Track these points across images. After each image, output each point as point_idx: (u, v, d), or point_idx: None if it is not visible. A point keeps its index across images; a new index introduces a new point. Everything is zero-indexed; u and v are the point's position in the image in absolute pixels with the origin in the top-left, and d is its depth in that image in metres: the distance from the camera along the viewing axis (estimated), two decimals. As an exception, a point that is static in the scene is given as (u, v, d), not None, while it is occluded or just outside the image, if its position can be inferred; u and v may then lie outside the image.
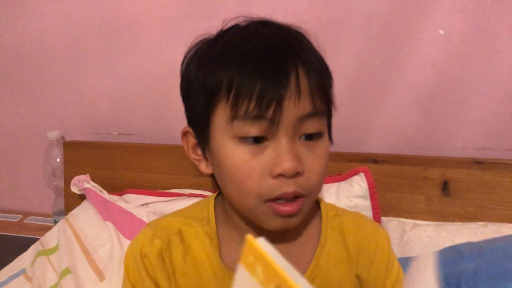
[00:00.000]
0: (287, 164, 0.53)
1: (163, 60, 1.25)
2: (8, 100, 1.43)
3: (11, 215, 1.54)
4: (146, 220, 1.03)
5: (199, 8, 1.17)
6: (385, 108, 1.09)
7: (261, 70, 0.53)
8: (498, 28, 0.96)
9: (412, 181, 1.01)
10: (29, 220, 1.50)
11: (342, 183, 0.97)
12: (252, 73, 0.53)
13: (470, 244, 0.80)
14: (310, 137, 0.56)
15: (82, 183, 1.19)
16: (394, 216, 1.02)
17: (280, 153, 0.54)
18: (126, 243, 0.99)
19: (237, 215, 0.64)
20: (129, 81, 1.31)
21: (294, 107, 0.53)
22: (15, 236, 1.40)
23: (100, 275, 0.94)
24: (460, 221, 0.97)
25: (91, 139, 1.37)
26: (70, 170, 1.30)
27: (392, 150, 1.09)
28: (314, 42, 0.61)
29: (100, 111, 1.36)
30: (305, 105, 0.54)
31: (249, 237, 0.39)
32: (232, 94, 0.53)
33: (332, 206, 0.71)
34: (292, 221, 0.58)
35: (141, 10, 1.23)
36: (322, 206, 0.69)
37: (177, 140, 1.28)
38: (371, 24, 1.04)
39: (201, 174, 1.18)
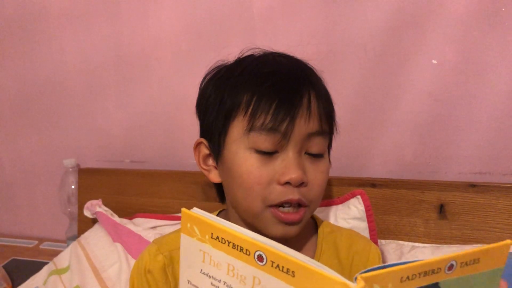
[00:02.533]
0: (294, 174, 0.60)
1: (173, 92, 1.32)
2: (27, 129, 1.51)
3: (27, 240, 1.59)
4: (153, 241, 1.08)
5: (207, 42, 1.24)
6: (383, 135, 1.13)
7: (279, 89, 0.61)
8: (487, 57, 1.01)
9: (410, 204, 1.04)
10: (44, 246, 1.55)
11: (340, 206, 1.01)
12: (271, 91, 0.61)
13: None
14: (314, 155, 0.64)
15: (94, 207, 1.25)
16: (393, 238, 1.05)
17: (288, 163, 0.61)
18: (134, 263, 1.03)
19: (241, 224, 0.69)
20: (141, 111, 1.38)
21: (304, 124, 0.61)
22: (31, 260, 1.45)
23: (109, 293, 0.98)
24: (457, 243, 0.99)
25: (105, 166, 1.43)
26: (84, 196, 1.36)
27: (391, 175, 1.12)
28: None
29: (113, 139, 1.43)
30: (314, 124, 0.63)
31: (183, 209, 0.46)
32: (251, 108, 0.61)
33: (328, 224, 0.78)
34: (292, 230, 0.64)
35: (153, 44, 1.30)
36: (319, 223, 0.76)
37: (185, 166, 1.35)
38: (368, 55, 1.09)
39: (208, 199, 1.23)
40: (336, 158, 1.13)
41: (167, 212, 1.24)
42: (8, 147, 1.56)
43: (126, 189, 1.32)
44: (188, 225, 0.46)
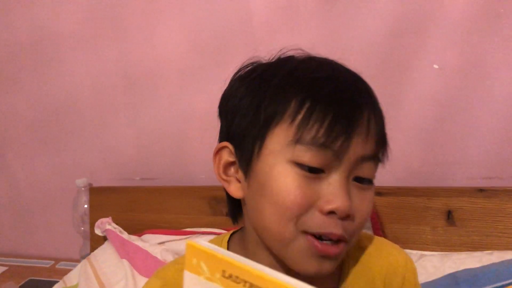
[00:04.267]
0: (342, 204, 0.50)
1: (180, 108, 1.34)
2: (42, 151, 1.55)
3: (44, 261, 1.62)
4: (159, 257, 1.09)
5: (210, 58, 1.26)
6: (390, 143, 1.12)
7: (337, 99, 0.51)
8: (489, 60, 1.00)
9: (417, 212, 1.02)
10: (61, 265, 1.57)
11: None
12: (327, 99, 0.51)
13: (467, 271, 0.81)
14: (362, 180, 0.53)
15: (104, 225, 1.27)
16: (402, 247, 1.02)
17: (336, 190, 0.51)
18: (140, 279, 1.04)
19: (264, 252, 0.59)
20: (150, 129, 1.40)
21: (361, 144, 0.51)
22: (47, 280, 1.47)
23: (114, 308, 0.99)
24: (466, 249, 0.97)
25: (116, 184, 1.45)
26: (95, 214, 1.38)
27: (399, 183, 1.10)
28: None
29: (124, 158, 1.45)
30: (371, 146, 0.52)
31: (188, 242, 0.38)
32: (301, 116, 0.51)
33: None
34: (329, 266, 0.53)
35: (159, 64, 1.33)
36: None
37: (193, 182, 1.36)
38: (370, 63, 1.10)
39: (216, 213, 1.24)
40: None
41: (176, 227, 1.24)
42: (24, 169, 1.61)
43: (136, 206, 1.33)
44: (194, 261, 0.38)
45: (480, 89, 1.02)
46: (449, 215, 0.99)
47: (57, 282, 1.43)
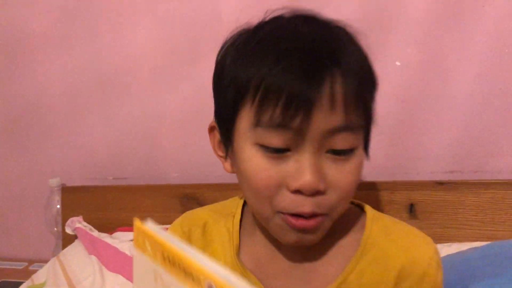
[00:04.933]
0: (307, 180, 0.49)
1: (152, 107, 1.35)
2: (13, 151, 1.54)
3: (17, 262, 1.60)
4: (128, 253, 1.09)
5: (182, 57, 1.27)
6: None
7: (292, 73, 0.48)
8: (448, 57, 1.03)
9: (381, 206, 1.04)
10: (34, 267, 1.55)
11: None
12: (282, 75, 0.48)
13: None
14: (339, 152, 0.51)
15: (74, 223, 1.27)
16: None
17: (301, 166, 0.50)
18: (108, 274, 1.05)
19: (256, 226, 0.63)
20: (122, 128, 1.41)
21: (325, 118, 0.49)
22: (20, 282, 1.46)
23: (81, 304, 0.99)
24: (428, 242, 0.99)
25: (89, 184, 1.45)
26: (68, 214, 1.38)
27: (365, 178, 1.13)
28: (362, 42, 0.59)
29: (97, 157, 1.45)
30: (338, 117, 0.50)
31: (136, 220, 0.40)
32: (258, 97, 0.50)
33: (381, 219, 0.62)
34: (309, 238, 0.54)
35: (131, 63, 1.34)
36: (368, 215, 0.62)
37: (166, 180, 1.37)
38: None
39: (186, 211, 1.24)
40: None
41: (147, 225, 1.25)
42: (-4, 170, 1.60)
43: (108, 205, 1.33)
44: (140, 239, 0.39)
45: (441, 85, 1.05)
46: (411, 208, 1.01)
47: (30, 283, 1.44)
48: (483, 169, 1.04)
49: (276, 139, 0.50)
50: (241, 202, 0.66)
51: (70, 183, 1.48)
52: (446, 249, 0.93)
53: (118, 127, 1.41)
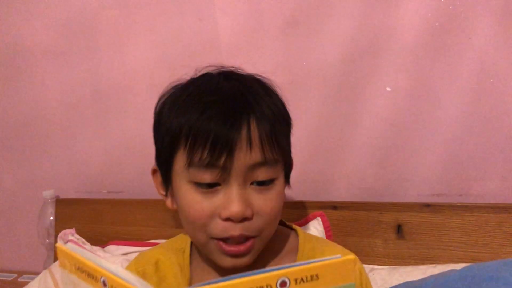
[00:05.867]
0: (234, 209, 0.58)
1: (147, 123, 1.35)
2: (8, 162, 1.56)
3: (6, 274, 1.61)
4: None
5: (177, 75, 1.29)
6: (344, 160, 1.18)
7: (215, 121, 0.58)
8: (436, 84, 1.07)
9: (369, 225, 1.07)
10: (23, 279, 1.56)
11: (301, 228, 1.04)
12: (207, 124, 0.58)
13: (407, 283, 0.86)
14: (261, 183, 0.61)
15: (67, 236, 1.28)
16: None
17: (229, 198, 0.59)
18: (100, 287, 1.05)
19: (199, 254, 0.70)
20: (118, 143, 1.43)
21: (245, 156, 0.58)
22: (8, 293, 1.47)
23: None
24: (415, 262, 1.02)
25: (83, 197, 1.47)
26: (61, 226, 1.39)
27: (353, 198, 1.16)
28: (278, 90, 0.70)
29: (91, 171, 1.47)
30: (256, 155, 0.59)
31: (58, 245, 0.49)
32: (189, 142, 0.59)
33: (310, 239, 0.73)
34: (243, 261, 0.62)
35: (128, 79, 1.37)
36: (300, 237, 0.71)
37: (158, 195, 1.38)
38: (327, 84, 1.16)
39: (179, 225, 1.26)
40: (299, 183, 1.19)
41: (140, 239, 1.27)
42: (-11, 181, 1.60)
43: (102, 218, 1.35)
44: (61, 258, 0.48)
45: (428, 111, 1.09)
46: (398, 229, 1.05)
47: (19, 295, 1.44)
48: (467, 193, 1.08)
49: (206, 176, 0.59)
50: (189, 238, 0.73)
51: (64, 196, 1.50)
52: (431, 270, 0.96)
53: (113, 141, 1.44)
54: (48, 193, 1.46)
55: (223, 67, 0.71)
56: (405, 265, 1.02)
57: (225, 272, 0.66)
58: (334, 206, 1.10)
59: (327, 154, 1.19)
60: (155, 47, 1.33)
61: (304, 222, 1.05)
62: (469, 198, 1.08)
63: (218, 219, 0.60)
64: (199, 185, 0.60)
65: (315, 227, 1.02)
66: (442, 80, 1.07)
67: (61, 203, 1.42)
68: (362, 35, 1.11)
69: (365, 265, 1.03)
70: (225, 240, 0.61)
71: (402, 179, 1.13)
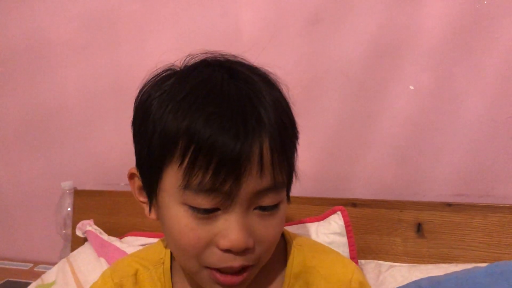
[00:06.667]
0: (236, 241, 0.50)
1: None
2: (28, 153, 1.57)
3: (23, 263, 1.62)
4: (138, 257, 1.11)
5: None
6: (365, 158, 1.17)
7: (222, 139, 0.48)
8: (460, 83, 1.06)
9: (389, 224, 1.06)
10: (39, 268, 1.57)
11: (321, 222, 1.04)
12: (213, 141, 0.48)
13: (430, 278, 0.86)
14: (265, 208, 0.53)
15: (85, 226, 1.29)
16: (373, 258, 1.07)
17: (230, 227, 0.50)
18: (118, 277, 1.06)
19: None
20: (137, 136, 1.44)
21: (254, 182, 0.50)
22: (25, 282, 1.48)
23: (88, 303, 1.01)
24: (434, 261, 1.01)
25: (100, 189, 1.48)
26: (79, 217, 1.40)
27: (373, 197, 1.15)
28: (283, 87, 0.59)
29: (110, 163, 1.48)
30: (266, 180, 0.51)
31: None
32: (186, 161, 0.49)
33: (300, 250, 0.64)
34: None
35: (148, 72, 1.36)
36: (289, 248, 0.64)
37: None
38: (349, 82, 1.15)
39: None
40: (319, 180, 1.19)
41: (157, 231, 1.27)
42: (8, 171, 1.62)
43: (120, 210, 1.36)
44: None
45: (451, 111, 1.08)
46: (419, 228, 1.04)
47: (34, 283, 1.45)
48: (489, 194, 1.07)
49: (205, 202, 0.50)
50: (168, 250, 0.65)
51: (81, 188, 1.51)
52: (453, 269, 0.94)
53: (131, 135, 1.44)
54: (67, 184, 1.47)
55: (220, 54, 0.61)
56: (425, 264, 1.01)
57: None
58: (353, 203, 1.10)
59: (347, 152, 1.18)
60: (177, 42, 1.34)
61: (324, 216, 1.04)
62: (491, 199, 1.07)
63: (214, 248, 0.51)
64: (195, 209, 0.50)
65: (336, 222, 1.01)
66: (466, 80, 1.07)
67: (79, 194, 1.43)
68: (385, 33, 1.11)
69: (384, 262, 1.03)
70: (220, 269, 0.53)
71: (422, 179, 1.13)
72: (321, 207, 1.11)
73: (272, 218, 0.54)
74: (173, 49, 1.33)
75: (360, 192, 1.18)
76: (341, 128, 1.18)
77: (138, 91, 0.62)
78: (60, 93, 1.51)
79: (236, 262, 0.52)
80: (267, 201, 0.52)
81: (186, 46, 1.31)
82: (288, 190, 0.58)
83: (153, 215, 0.59)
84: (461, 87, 1.07)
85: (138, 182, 0.61)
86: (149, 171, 0.55)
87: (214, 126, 0.48)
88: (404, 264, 1.02)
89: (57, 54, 1.48)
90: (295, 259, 0.62)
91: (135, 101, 0.60)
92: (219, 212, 0.51)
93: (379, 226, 1.07)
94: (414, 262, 1.03)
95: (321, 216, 1.05)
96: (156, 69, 0.61)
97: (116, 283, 0.64)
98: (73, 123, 1.51)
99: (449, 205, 1.02)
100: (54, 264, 1.55)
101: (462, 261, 0.99)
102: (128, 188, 1.42)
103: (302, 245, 0.65)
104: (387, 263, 1.04)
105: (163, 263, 0.64)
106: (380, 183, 1.16)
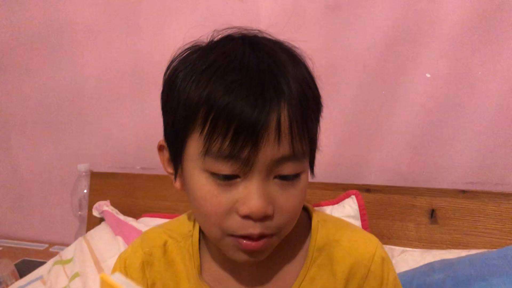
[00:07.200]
0: (255, 207, 0.51)
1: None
2: (46, 135, 1.60)
3: (38, 244, 1.66)
4: (154, 236, 1.13)
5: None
6: (380, 145, 1.18)
7: (240, 106, 0.49)
8: (477, 72, 1.07)
9: (402, 209, 1.08)
10: (54, 249, 1.61)
11: (335, 206, 1.05)
12: (231, 109, 0.49)
13: (444, 260, 0.87)
14: (285, 177, 0.54)
15: (102, 207, 1.31)
16: (385, 242, 1.08)
17: (250, 193, 0.52)
18: (134, 254, 1.09)
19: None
20: (153, 121, 1.44)
21: (272, 150, 0.51)
22: (40, 261, 1.51)
23: (107, 279, 1.03)
24: (447, 247, 1.03)
25: (116, 171, 1.50)
26: (95, 198, 1.43)
27: (387, 183, 1.17)
28: (308, 61, 0.61)
29: (126, 147, 1.51)
30: (284, 148, 0.52)
31: (102, 274, 0.44)
32: (207, 128, 0.51)
33: (324, 224, 0.65)
34: (257, 257, 0.57)
35: (167, 58, 1.38)
36: (314, 223, 0.65)
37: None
38: (366, 69, 1.16)
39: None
40: (334, 166, 1.20)
41: (173, 213, 1.29)
42: (26, 153, 1.65)
43: (135, 192, 1.38)
44: None
45: (467, 99, 1.09)
46: (432, 214, 1.05)
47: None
48: (502, 182, 1.08)
49: (225, 168, 0.51)
50: (196, 223, 0.67)
51: (97, 170, 1.53)
52: (465, 254, 0.96)
53: (149, 120, 1.46)
54: (83, 167, 1.50)
55: (246, 29, 0.62)
56: (437, 249, 1.02)
57: (236, 263, 0.60)
58: (368, 189, 1.11)
59: (362, 138, 1.20)
60: (196, 28, 1.35)
61: (339, 200, 1.06)
62: (504, 188, 1.07)
63: (235, 215, 0.53)
64: (215, 176, 0.52)
65: (350, 205, 1.03)
66: (482, 69, 1.07)
67: (95, 176, 1.46)
68: (403, 21, 1.12)
69: (396, 247, 1.04)
70: (242, 237, 0.54)
71: (436, 166, 1.14)
72: (335, 192, 1.12)
73: (292, 188, 0.54)
74: (192, 35, 1.35)
75: (374, 178, 1.19)
76: (357, 115, 1.19)
77: (166, 66, 0.63)
78: (78, 77, 1.53)
79: (256, 229, 0.53)
80: (287, 170, 0.53)
81: (205, 32, 1.34)
82: (312, 162, 0.59)
83: (177, 184, 0.61)
84: (477, 76, 1.08)
85: (166, 154, 0.62)
86: (174, 141, 0.57)
87: (232, 94, 0.50)
88: (417, 249, 1.03)
89: (77, 38, 1.50)
90: (319, 233, 0.63)
91: (163, 76, 0.61)
92: (239, 179, 0.52)
93: (392, 211, 1.08)
94: (426, 248, 1.04)
95: (335, 200, 1.06)
96: (184, 45, 0.62)
97: (146, 252, 0.66)
98: (91, 107, 1.53)
99: (462, 192, 1.03)
100: (68, 245, 1.59)
101: (474, 247, 1.00)
102: (144, 171, 1.46)
103: (326, 220, 0.66)
104: (399, 248, 1.05)
105: (192, 236, 0.66)
106: (394, 170, 1.17)
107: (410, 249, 1.04)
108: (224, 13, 1.30)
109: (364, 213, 1.02)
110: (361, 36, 1.16)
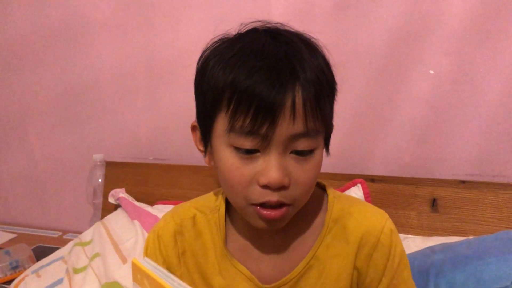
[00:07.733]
0: (273, 177, 0.58)
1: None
2: (62, 126, 1.66)
3: (52, 231, 1.72)
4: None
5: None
6: (384, 138, 1.24)
7: (259, 88, 0.56)
8: (478, 68, 1.12)
9: (405, 198, 1.13)
10: (68, 236, 1.66)
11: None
12: (251, 91, 0.56)
13: (443, 244, 0.92)
14: (300, 152, 0.60)
15: (117, 193, 1.37)
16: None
17: (268, 165, 0.58)
18: (150, 237, 1.15)
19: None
20: (166, 113, 1.51)
21: (287, 127, 0.57)
22: (55, 247, 1.57)
23: (124, 259, 1.09)
24: (447, 234, 1.08)
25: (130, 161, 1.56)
26: (109, 186, 1.49)
27: (391, 174, 1.22)
28: (325, 51, 0.67)
29: (139, 139, 1.56)
30: (298, 125, 0.58)
31: (134, 259, 0.49)
32: (231, 108, 0.58)
33: (339, 199, 0.72)
34: (276, 225, 0.64)
35: (181, 53, 1.45)
36: (330, 198, 0.71)
37: (202, 163, 1.45)
38: (372, 65, 1.22)
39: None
40: (340, 157, 1.26)
41: (185, 200, 1.35)
42: (43, 143, 1.72)
43: (149, 181, 1.44)
44: (139, 276, 0.47)
45: (468, 94, 1.14)
46: (433, 203, 1.10)
47: (65, 249, 1.54)
48: (501, 174, 1.13)
49: (247, 143, 0.58)
50: (224, 196, 0.74)
51: (111, 160, 1.59)
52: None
53: (162, 112, 1.52)
54: (98, 156, 1.56)
55: (269, 22, 0.69)
56: (438, 236, 1.08)
57: (258, 233, 0.69)
58: (372, 179, 1.17)
59: (367, 131, 1.25)
60: (209, 25, 1.41)
61: (345, 188, 1.11)
62: (502, 179, 1.13)
63: (256, 185, 0.60)
64: (238, 150, 0.60)
65: (355, 193, 1.09)
66: (484, 66, 1.13)
67: (110, 165, 1.52)
68: (408, 19, 1.17)
69: (399, 234, 1.10)
70: (262, 205, 0.61)
71: (438, 159, 1.19)
72: (341, 182, 1.18)
73: (307, 162, 0.61)
74: (205, 31, 1.41)
75: (378, 169, 1.25)
76: (363, 110, 1.25)
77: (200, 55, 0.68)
78: (94, 70, 1.59)
79: (274, 197, 0.60)
80: (302, 145, 0.60)
81: (217, 29, 1.39)
82: (327, 141, 0.66)
83: (207, 160, 0.68)
84: (479, 72, 1.13)
85: (198, 133, 0.69)
86: (204, 121, 0.64)
87: (253, 78, 0.57)
88: (418, 236, 1.09)
89: (93, 32, 1.56)
90: (334, 207, 0.70)
91: (196, 64, 0.67)
92: (259, 154, 0.59)
93: (395, 200, 1.14)
94: (427, 235, 1.10)
95: (341, 188, 1.12)
96: (215, 37, 0.68)
97: (177, 223, 0.72)
98: (105, 99, 1.59)
99: (462, 182, 1.09)
100: (81, 232, 1.65)
101: (473, 234, 1.05)
102: (157, 161, 1.52)
103: (341, 196, 0.73)
104: (402, 235, 1.10)
105: (219, 209, 0.72)
106: (398, 161, 1.23)
107: (412, 236, 1.10)
108: (236, 11, 1.35)
109: (369, 200, 1.08)
110: (368, 34, 1.22)
